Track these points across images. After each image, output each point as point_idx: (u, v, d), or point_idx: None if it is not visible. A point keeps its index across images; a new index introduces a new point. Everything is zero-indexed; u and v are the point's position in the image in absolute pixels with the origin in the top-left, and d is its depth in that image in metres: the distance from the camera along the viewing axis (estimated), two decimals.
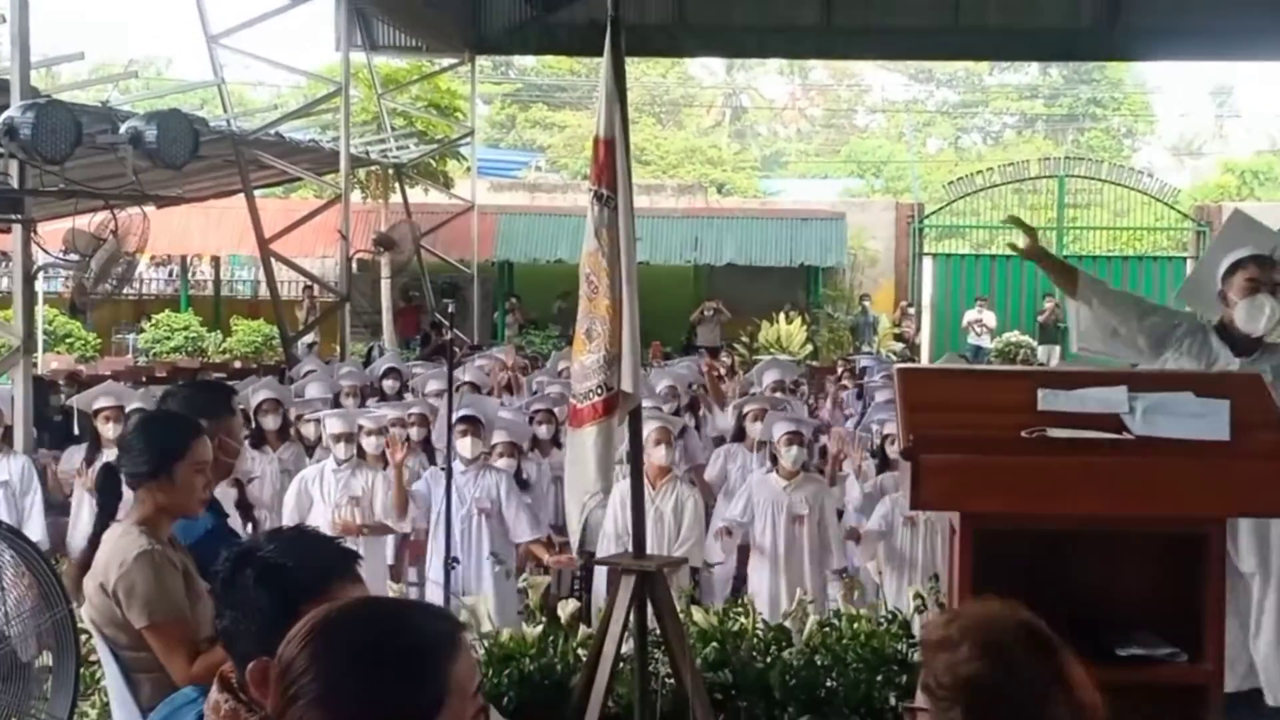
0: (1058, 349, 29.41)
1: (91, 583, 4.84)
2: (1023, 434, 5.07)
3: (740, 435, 11.51)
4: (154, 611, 4.71)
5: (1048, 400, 5.20)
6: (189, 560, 4.89)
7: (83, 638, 5.90)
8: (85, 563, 4.95)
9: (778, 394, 13.05)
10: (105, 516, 5.02)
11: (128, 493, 5.06)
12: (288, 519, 9.70)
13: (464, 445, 9.71)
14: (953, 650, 2.78)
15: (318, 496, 9.83)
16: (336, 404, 12.80)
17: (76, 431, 12.87)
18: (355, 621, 2.54)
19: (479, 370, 14.55)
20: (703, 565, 10.08)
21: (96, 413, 10.83)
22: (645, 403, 11.74)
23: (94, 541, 4.97)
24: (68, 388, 15.96)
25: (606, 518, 9.49)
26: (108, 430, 10.68)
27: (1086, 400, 5.20)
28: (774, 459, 9.94)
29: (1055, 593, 4.42)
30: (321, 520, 9.55)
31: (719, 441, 12.46)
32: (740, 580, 10.14)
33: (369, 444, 10.41)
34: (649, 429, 9.18)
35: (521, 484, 10.17)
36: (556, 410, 11.68)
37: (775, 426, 9.86)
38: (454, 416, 9.74)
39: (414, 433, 11.12)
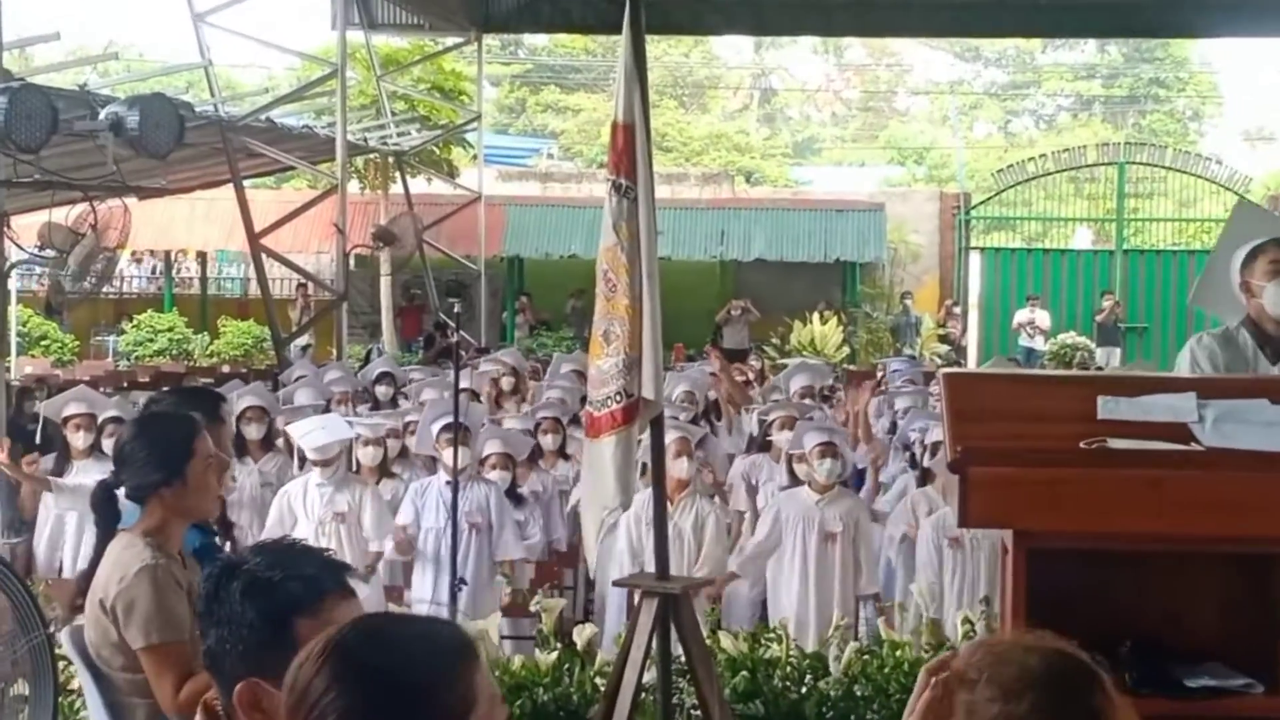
0: (1118, 351, 29.34)
1: (91, 599, 4.85)
2: (1081, 445, 5.04)
3: (764, 446, 11.48)
4: (152, 632, 4.70)
5: (1108, 408, 5.16)
6: (197, 577, 4.90)
7: (61, 665, 5.91)
8: (85, 581, 4.96)
9: (806, 400, 13.02)
10: (105, 537, 5.02)
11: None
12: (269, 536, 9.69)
13: (449, 455, 9.67)
14: (970, 689, 2.74)
15: (301, 513, 9.78)
16: (327, 412, 12.78)
17: (39, 441, 12.85)
18: (373, 636, 2.56)
19: (481, 377, 14.54)
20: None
21: (66, 420, 10.82)
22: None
23: (95, 561, 4.97)
24: (42, 395, 15.98)
25: (619, 535, 9.48)
26: (78, 439, 10.69)
27: (1151, 408, 5.17)
28: (791, 472, 9.93)
29: (1117, 619, 4.40)
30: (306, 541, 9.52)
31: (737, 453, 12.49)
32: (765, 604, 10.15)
33: (365, 454, 10.39)
34: (668, 439, 9.16)
35: (515, 498, 10.17)
36: (564, 419, 11.69)
37: (807, 437, 9.83)
38: (438, 426, 9.76)
39: (411, 443, 11.12)
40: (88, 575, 4.97)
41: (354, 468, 10.58)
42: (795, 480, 9.91)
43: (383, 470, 10.65)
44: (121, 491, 5.07)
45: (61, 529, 10.70)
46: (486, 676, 2.58)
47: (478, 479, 9.95)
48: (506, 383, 14.98)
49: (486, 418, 11.90)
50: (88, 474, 10.57)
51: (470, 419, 10.23)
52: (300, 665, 2.55)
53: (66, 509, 10.48)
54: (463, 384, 13.01)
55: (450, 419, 9.62)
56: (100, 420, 10.83)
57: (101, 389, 15.71)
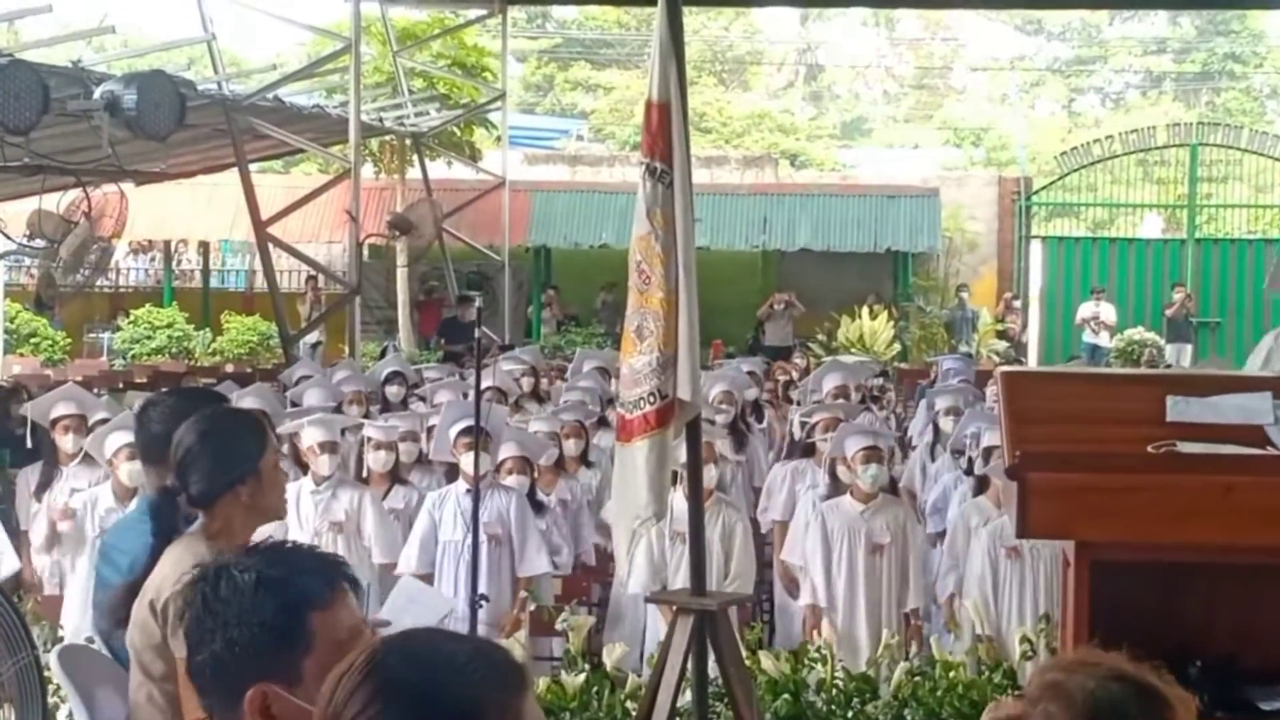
0: (1189, 348, 29.23)
1: (141, 601, 4.88)
2: (1149, 449, 5.05)
3: (807, 450, 11.46)
4: None
5: (1178, 409, 5.17)
6: None
7: (51, 688, 5.94)
8: (130, 592, 4.98)
9: (840, 400, 13.01)
10: (162, 545, 5.05)
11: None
12: None
13: (468, 461, 9.65)
14: (1032, 708, 2.75)
15: (294, 523, 9.70)
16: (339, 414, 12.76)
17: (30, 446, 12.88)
18: (419, 656, 2.59)
19: (505, 376, 14.50)
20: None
21: (54, 423, 10.85)
22: None
23: (147, 569, 5.00)
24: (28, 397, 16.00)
25: (639, 547, 9.48)
26: (67, 443, 10.68)
27: (1224, 409, 5.17)
28: (834, 477, 9.91)
29: (1187, 637, 4.40)
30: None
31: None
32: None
33: (375, 459, 10.38)
34: None
35: (535, 506, 10.15)
36: (586, 422, 11.67)
37: (848, 441, 9.83)
38: (456, 429, 9.73)
39: (430, 448, 11.12)
40: (135, 586, 4.99)
41: (364, 474, 10.57)
42: (837, 487, 9.89)
43: (394, 477, 10.63)
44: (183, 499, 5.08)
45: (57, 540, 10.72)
46: (535, 705, 2.61)
47: (497, 487, 9.91)
48: (526, 383, 15.00)
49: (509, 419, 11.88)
50: (78, 479, 10.64)
51: (492, 422, 10.21)
52: (339, 680, 2.57)
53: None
54: (489, 383, 13.07)
55: (466, 422, 9.62)
56: (92, 422, 10.85)
57: (95, 390, 15.77)
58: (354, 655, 2.61)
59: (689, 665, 6.29)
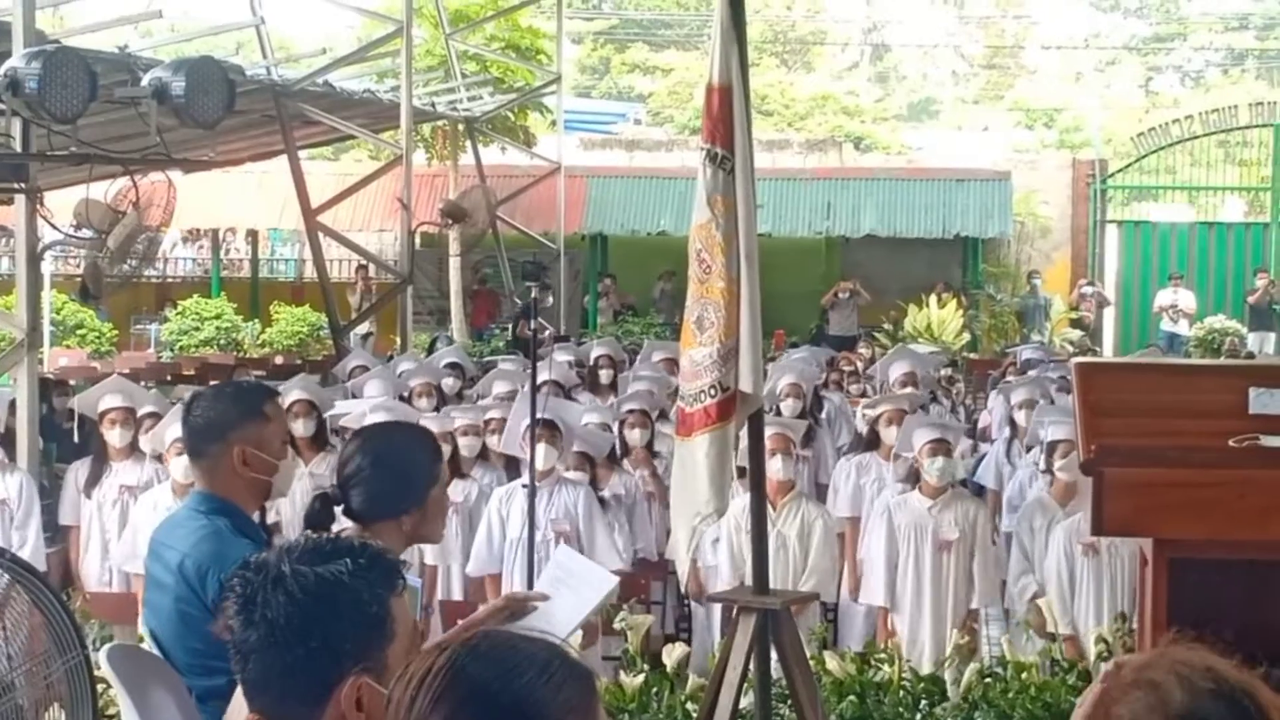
0: (1273, 336, 29.03)
1: None
2: (1230, 443, 5.02)
3: (872, 443, 11.43)
4: None
5: (1261, 401, 5.14)
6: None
7: (100, 688, 5.98)
8: None
9: (908, 389, 12.96)
10: None
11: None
12: None
13: (537, 454, 9.69)
14: (1112, 706, 2.75)
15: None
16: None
17: (77, 440, 12.99)
18: (498, 661, 2.64)
19: (559, 367, 14.46)
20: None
21: (102, 416, 10.94)
22: None
23: None
24: (74, 390, 16.10)
25: (720, 544, 9.48)
26: (114, 436, 10.78)
27: None
28: (916, 475, 9.87)
29: (1270, 638, 4.37)
30: None
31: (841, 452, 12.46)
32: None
33: None
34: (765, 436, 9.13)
35: (599, 501, 10.16)
36: (652, 412, 11.66)
37: (916, 434, 9.80)
38: (526, 421, 9.73)
39: (492, 441, 11.13)
40: None
41: None
42: (915, 480, 9.85)
43: (454, 470, 10.65)
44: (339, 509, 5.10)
45: (103, 533, 10.82)
46: (603, 710, 2.66)
47: (563, 482, 9.93)
48: (605, 375, 15.05)
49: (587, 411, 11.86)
50: (128, 474, 10.73)
51: (563, 416, 10.21)
52: (419, 686, 2.61)
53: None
54: (547, 375, 13.07)
55: (543, 415, 9.64)
56: (140, 415, 10.94)
57: (142, 382, 15.86)
58: (429, 658, 2.64)
59: (752, 665, 6.29)
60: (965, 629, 9.26)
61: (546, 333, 10.54)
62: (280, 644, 3.22)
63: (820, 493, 11.94)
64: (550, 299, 26.77)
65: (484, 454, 11.28)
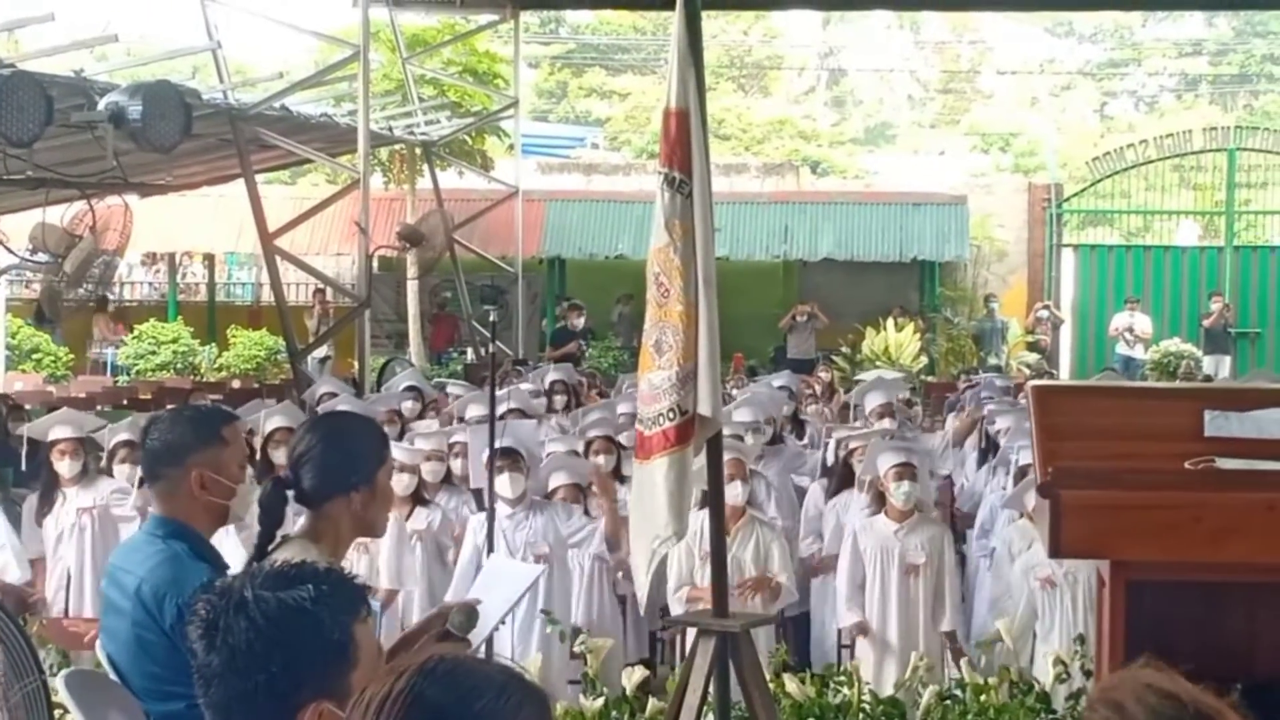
0: (1228, 359, 29.16)
1: None
2: (1186, 465, 5.05)
3: (846, 478, 11.45)
4: None
5: (1216, 424, 5.16)
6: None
7: (58, 713, 5.96)
8: None
9: (885, 421, 12.99)
10: (266, 541, 5.07)
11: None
12: None
13: (503, 484, 9.70)
14: (1091, 714, 2.77)
15: None
16: None
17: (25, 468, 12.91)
18: (455, 685, 2.64)
19: (523, 394, 14.45)
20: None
21: (52, 446, 10.89)
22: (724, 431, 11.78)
23: (257, 559, 5.01)
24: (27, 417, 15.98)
25: (669, 567, 9.47)
26: (64, 467, 10.74)
27: (1264, 424, 5.17)
28: (882, 497, 9.89)
29: (1228, 659, 4.40)
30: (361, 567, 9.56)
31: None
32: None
33: (397, 482, 10.37)
34: None
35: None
36: (620, 438, 11.67)
37: (881, 458, 9.83)
38: (486, 451, 9.74)
39: (457, 466, 11.12)
40: None
41: None
42: (882, 503, 9.88)
43: (416, 498, 10.61)
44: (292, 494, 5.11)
45: (66, 560, 10.76)
46: None
47: (536, 506, 9.92)
48: (559, 400, 15.05)
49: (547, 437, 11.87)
50: (82, 499, 10.70)
51: (524, 440, 10.19)
52: (380, 709, 2.61)
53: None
54: (511, 403, 13.05)
55: (502, 443, 9.67)
56: (113, 444, 10.93)
57: (99, 407, 15.79)
58: (386, 683, 2.65)
59: (712, 688, 6.29)
60: (955, 652, 9.27)
61: (494, 355, 10.51)
62: (242, 669, 3.21)
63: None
64: (580, 321, 27.00)
65: (448, 478, 11.28)
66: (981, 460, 12.74)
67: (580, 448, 11.46)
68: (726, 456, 9.28)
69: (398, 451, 10.48)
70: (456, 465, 11.13)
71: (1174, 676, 2.83)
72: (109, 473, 10.95)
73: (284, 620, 3.20)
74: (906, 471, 9.64)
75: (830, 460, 12.03)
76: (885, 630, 9.54)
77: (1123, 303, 30.28)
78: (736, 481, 9.58)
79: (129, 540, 5.51)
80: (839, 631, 10.23)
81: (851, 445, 11.44)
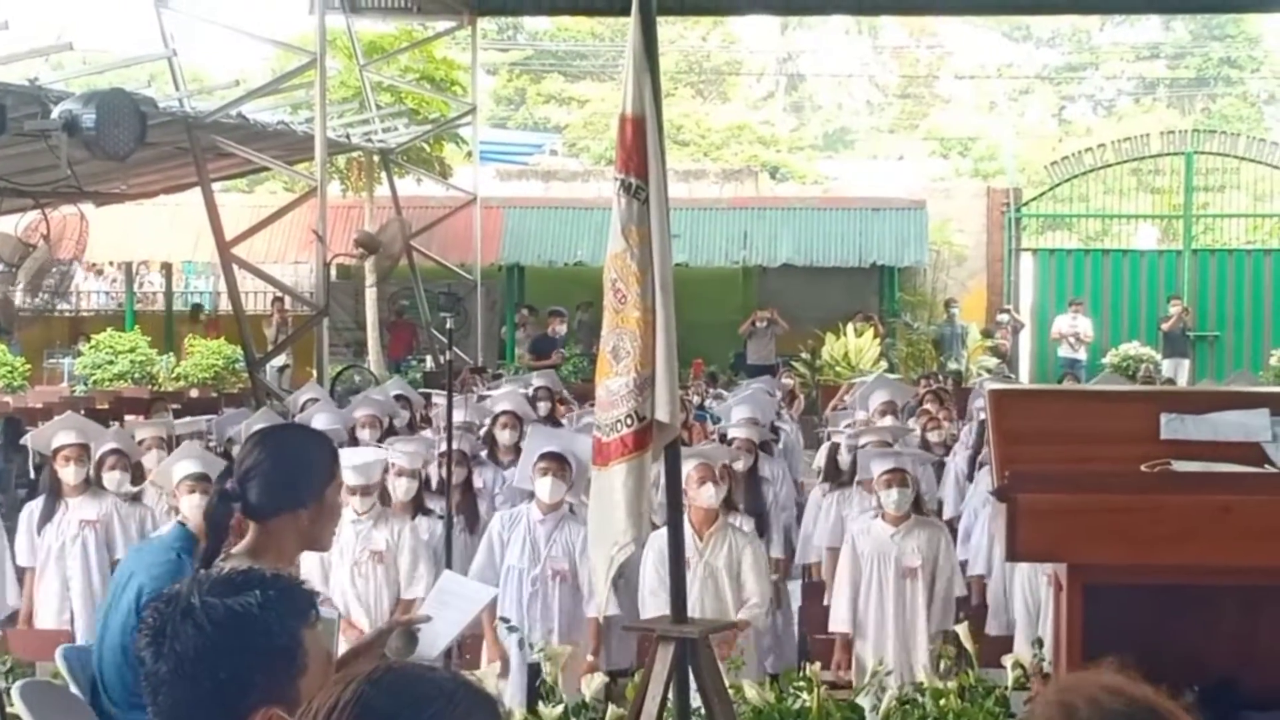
0: (1186, 363, 29.27)
1: None
2: (1143, 468, 5.06)
3: (837, 474, 11.50)
4: None
5: (1172, 427, 5.18)
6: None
7: None
8: None
9: (888, 419, 13.05)
10: (211, 555, 5.05)
11: None
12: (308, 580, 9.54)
13: (543, 486, 9.62)
14: None
15: (335, 552, 9.52)
16: (352, 441, 12.67)
17: (33, 477, 12.86)
18: (402, 693, 2.64)
19: (521, 398, 14.22)
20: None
21: (56, 453, 10.83)
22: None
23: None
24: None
25: (642, 576, 9.45)
26: (68, 474, 10.67)
27: (1220, 427, 5.19)
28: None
29: (1183, 661, 4.41)
30: (341, 582, 9.51)
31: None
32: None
33: (398, 487, 10.30)
34: (689, 466, 9.12)
35: None
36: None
37: (873, 464, 9.87)
38: (536, 453, 9.69)
39: (455, 473, 11.08)
40: None
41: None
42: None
43: (417, 506, 10.53)
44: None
45: (64, 569, 10.71)
46: None
47: (569, 519, 9.78)
48: (543, 408, 15.02)
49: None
50: (85, 510, 10.64)
51: (575, 449, 10.05)
52: (318, 716, 2.62)
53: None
54: (504, 405, 13.00)
55: (553, 446, 9.69)
56: (101, 453, 10.89)
57: (55, 417, 15.69)
58: (334, 692, 2.64)
59: (671, 694, 6.29)
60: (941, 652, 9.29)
61: (451, 362, 10.45)
62: (189, 676, 3.21)
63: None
64: (563, 328, 26.99)
65: (438, 486, 11.21)
66: (972, 463, 12.76)
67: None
68: (694, 461, 9.34)
69: (398, 457, 10.44)
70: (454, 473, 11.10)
71: (1130, 679, 2.84)
72: (98, 482, 10.87)
73: (231, 626, 3.20)
74: (896, 478, 9.65)
75: (840, 459, 12.09)
76: (884, 633, 9.54)
77: (1064, 305, 30.38)
78: (708, 484, 9.53)
79: (146, 542, 5.48)
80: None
81: (860, 444, 11.50)
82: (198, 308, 27.77)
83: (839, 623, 9.72)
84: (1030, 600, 9.52)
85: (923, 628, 9.54)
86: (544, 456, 9.66)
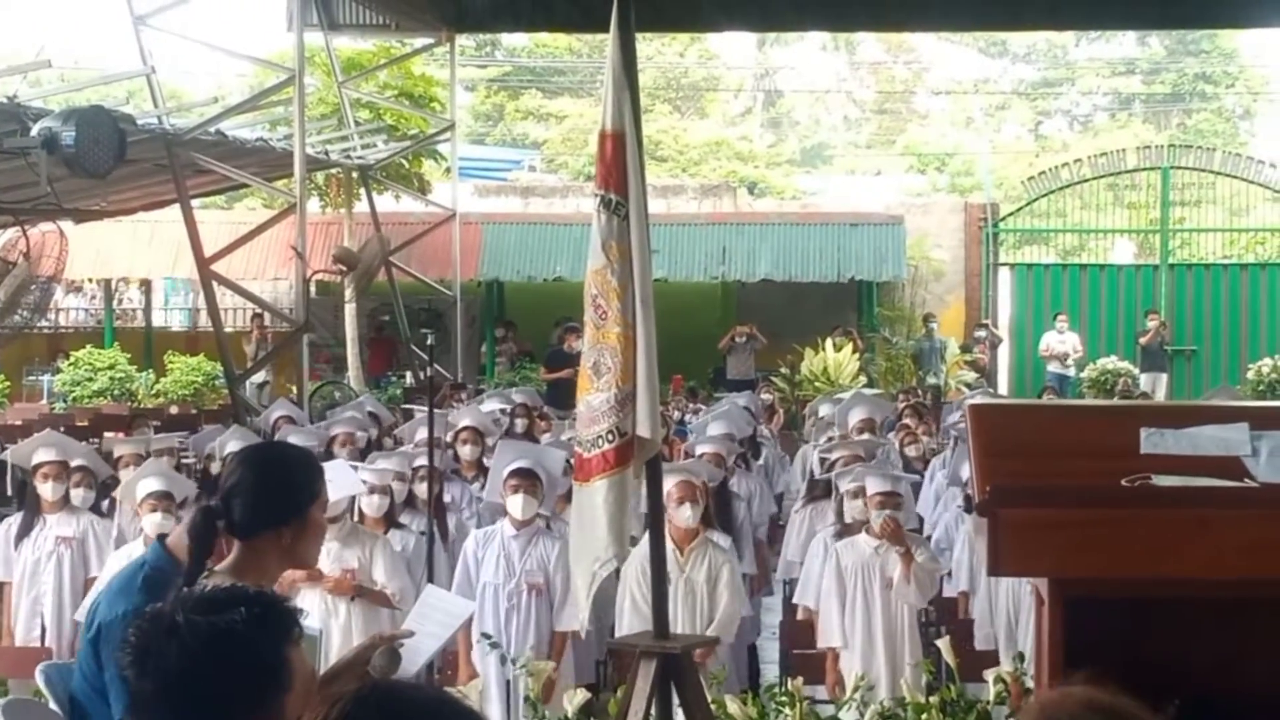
0: (1164, 377, 29.34)
1: None
2: (1123, 482, 5.06)
3: (828, 489, 11.51)
4: None
5: (1152, 441, 5.18)
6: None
7: None
8: None
9: (866, 436, 13.04)
10: (195, 572, 5.02)
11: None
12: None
13: (515, 504, 9.62)
14: None
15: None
16: (328, 456, 12.66)
17: (10, 493, 12.82)
18: (390, 710, 2.63)
19: (485, 416, 14.27)
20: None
21: (35, 469, 10.81)
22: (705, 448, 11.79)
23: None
24: None
25: (623, 591, 9.43)
26: (47, 490, 10.66)
27: (1200, 441, 5.19)
28: (840, 516, 9.95)
29: (1165, 674, 4.41)
30: (314, 597, 9.48)
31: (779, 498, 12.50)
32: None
33: (369, 504, 10.29)
34: (670, 483, 9.11)
35: None
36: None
37: (869, 481, 9.85)
38: (507, 469, 9.68)
39: (421, 490, 11.07)
40: None
41: (356, 519, 10.47)
42: (847, 527, 9.93)
43: (389, 520, 10.52)
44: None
45: (38, 585, 10.68)
46: None
47: (543, 533, 9.79)
48: (520, 424, 15.03)
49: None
50: (62, 527, 10.62)
51: (545, 463, 10.06)
52: None
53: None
54: (466, 421, 13.03)
55: (524, 463, 9.67)
56: (74, 467, 10.86)
57: (34, 435, 15.66)
58: (321, 711, 2.64)
59: (653, 710, 6.28)
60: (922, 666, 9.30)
61: (432, 378, 10.46)
62: (175, 694, 3.20)
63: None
64: (578, 344, 26.79)
65: (410, 501, 11.19)
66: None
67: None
68: (676, 478, 9.34)
69: (368, 474, 10.44)
70: (420, 489, 11.08)
71: (1113, 693, 2.85)
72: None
73: (215, 644, 3.20)
74: (890, 501, 9.64)
75: (815, 472, 12.09)
76: (872, 645, 9.53)
77: (1053, 319, 30.41)
78: (687, 504, 9.52)
79: (127, 567, 5.44)
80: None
81: (835, 457, 11.49)
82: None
83: (830, 638, 9.72)
84: (1012, 614, 9.53)
85: (909, 637, 9.54)
86: (514, 474, 9.65)
